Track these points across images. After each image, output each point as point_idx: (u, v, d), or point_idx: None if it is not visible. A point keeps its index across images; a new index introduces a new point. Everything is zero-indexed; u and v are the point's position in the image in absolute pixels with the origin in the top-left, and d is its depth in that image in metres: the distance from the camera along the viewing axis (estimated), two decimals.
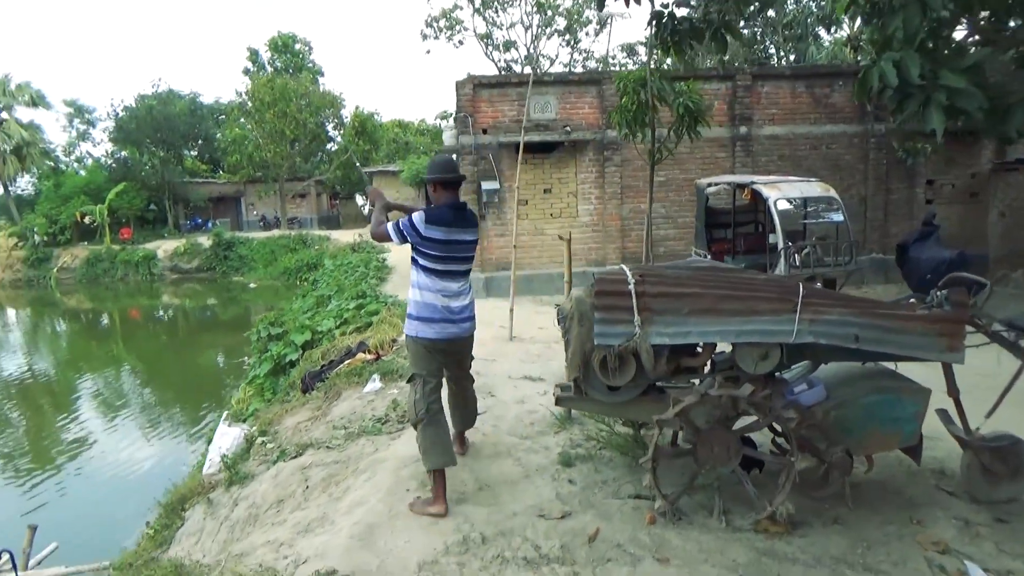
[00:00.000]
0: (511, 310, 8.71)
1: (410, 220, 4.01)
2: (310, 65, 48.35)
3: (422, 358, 4.09)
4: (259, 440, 5.95)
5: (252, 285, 29.54)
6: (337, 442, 4.99)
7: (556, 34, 29.94)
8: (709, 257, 10.60)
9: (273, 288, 27.76)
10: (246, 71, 47.45)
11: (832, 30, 24.46)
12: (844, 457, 3.88)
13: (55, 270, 33.86)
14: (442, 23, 29.36)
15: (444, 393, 4.30)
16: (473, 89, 11.94)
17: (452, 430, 4.38)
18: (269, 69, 46.43)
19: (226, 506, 4.72)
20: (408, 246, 4.10)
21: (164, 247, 34.26)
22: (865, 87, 3.40)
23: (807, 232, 10.03)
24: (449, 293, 4.08)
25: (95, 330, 25.41)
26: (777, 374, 4.23)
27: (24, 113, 38.49)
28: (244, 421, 7.66)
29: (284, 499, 4.37)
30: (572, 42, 29.90)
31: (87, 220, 34.95)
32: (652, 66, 6.55)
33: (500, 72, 26.40)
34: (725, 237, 11.06)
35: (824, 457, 3.83)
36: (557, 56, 30.64)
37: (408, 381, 4.22)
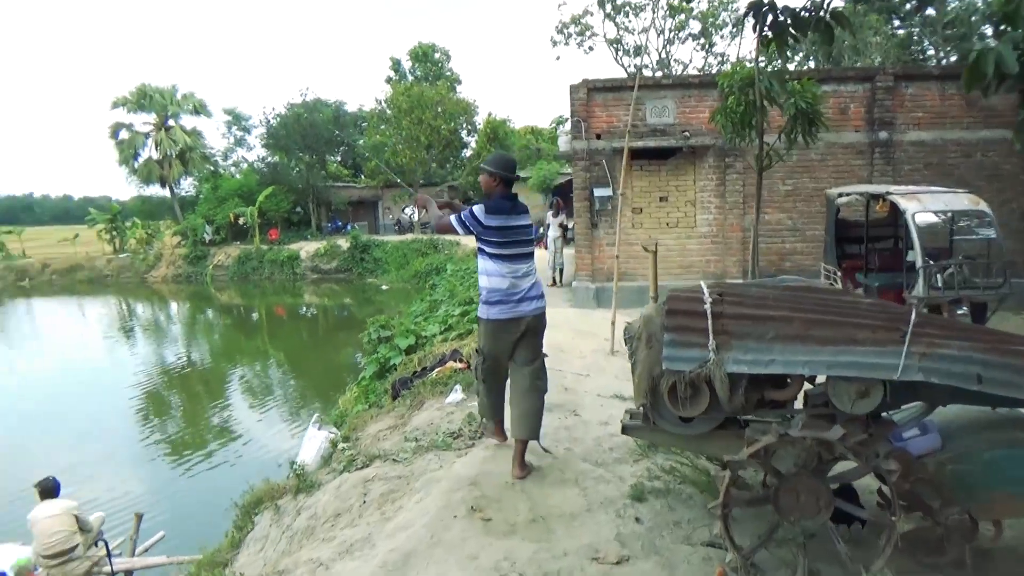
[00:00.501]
0: (613, 323, 8.31)
1: (471, 212, 4.39)
2: (448, 73, 49.74)
3: (489, 338, 4.50)
4: (340, 446, 5.92)
5: (384, 287, 30.49)
6: (404, 455, 4.83)
7: (690, 38, 28.98)
8: (839, 274, 9.72)
9: (404, 291, 28.51)
10: (388, 79, 49.57)
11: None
12: (964, 520, 3.26)
13: (211, 267, 36.47)
14: (572, 29, 29.15)
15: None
16: (587, 93, 11.59)
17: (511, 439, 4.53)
18: (410, 78, 48.20)
19: (290, 514, 4.68)
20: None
21: (306, 248, 36.03)
22: (977, 76, 2.78)
23: (954, 249, 8.94)
24: (516, 275, 4.40)
25: (244, 324, 27.13)
26: (885, 414, 3.67)
27: (188, 121, 41.99)
28: (342, 424, 7.72)
29: (341, 513, 4.25)
30: (707, 46, 28.84)
31: (240, 221, 37.50)
32: (763, 63, 5.93)
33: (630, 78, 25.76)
34: (858, 253, 10.08)
35: (938, 518, 3.23)
36: (691, 60, 29.62)
37: (476, 352, 4.84)
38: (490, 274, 4.40)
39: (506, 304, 4.37)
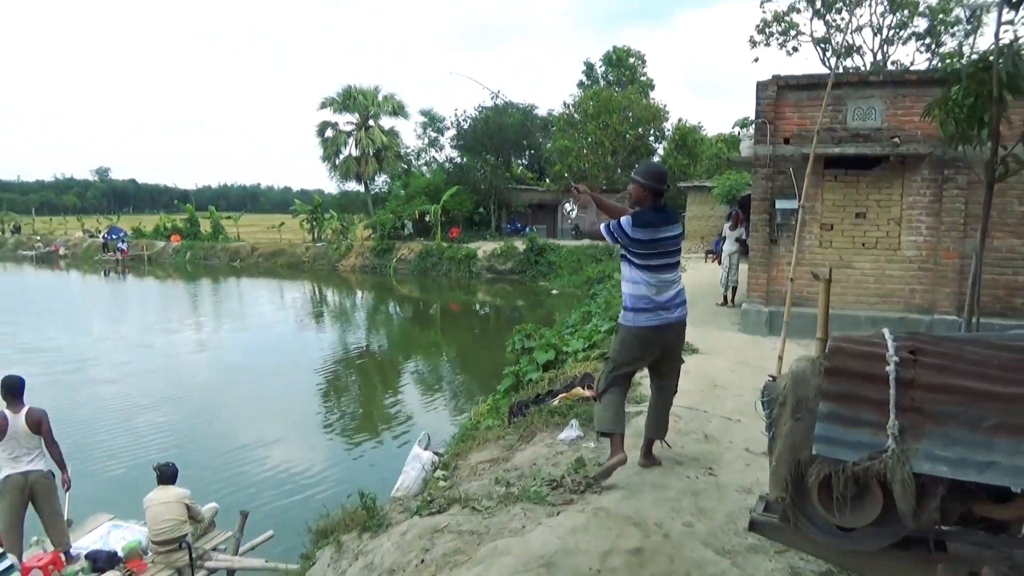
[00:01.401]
0: (780, 357, 6.95)
1: (619, 223, 4.39)
2: (642, 78, 48.47)
3: (626, 347, 4.48)
4: (437, 474, 5.23)
5: (554, 292, 30.05)
6: (487, 504, 4.01)
7: (913, 37, 25.51)
8: None
9: (574, 296, 27.89)
10: (580, 83, 49.21)
11: None
12: None
13: (394, 260, 37.97)
14: (775, 28, 26.80)
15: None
16: (777, 91, 10.08)
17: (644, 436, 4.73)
18: (602, 83, 47.50)
19: (349, 557, 4.02)
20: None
21: (484, 248, 36.46)
22: None
23: None
24: (661, 284, 4.36)
25: (420, 318, 27.79)
26: None
27: (386, 121, 44.02)
28: (459, 442, 7.07)
29: (396, 570, 3.52)
30: (933, 46, 25.26)
31: (426, 218, 38.79)
32: (1008, 39, 4.39)
33: None
34: None
35: None
36: (912, 63, 25.96)
37: (606, 359, 4.76)
38: (635, 282, 4.40)
39: (652, 312, 4.36)
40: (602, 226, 4.49)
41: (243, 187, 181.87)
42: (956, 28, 24.45)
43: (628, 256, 4.42)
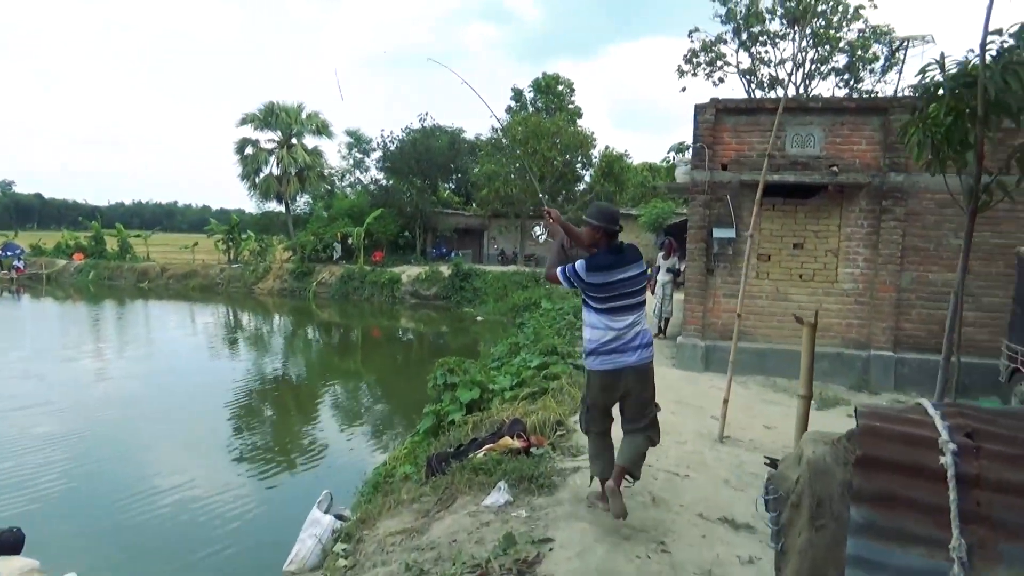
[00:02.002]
0: (725, 400, 6.38)
1: (574, 267, 4.29)
2: (570, 106, 48.77)
3: (588, 388, 4.43)
4: (338, 548, 4.34)
5: (479, 318, 29.34)
6: None
7: (833, 73, 26.21)
8: None
9: (500, 323, 27.24)
10: (508, 109, 49.10)
11: None
12: None
13: (314, 284, 36.54)
14: (703, 58, 27.10)
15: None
16: (715, 115, 9.71)
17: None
18: (531, 108, 47.51)
19: None
20: None
21: (408, 272, 35.52)
22: None
23: None
24: (620, 327, 4.22)
25: (340, 344, 26.51)
26: None
27: (310, 141, 42.59)
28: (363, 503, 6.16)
29: None
30: (852, 81, 25.99)
31: (349, 241, 37.53)
32: (989, 49, 3.89)
33: None
34: None
35: None
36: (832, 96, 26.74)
37: (581, 400, 4.65)
38: (593, 326, 4.29)
39: (607, 355, 4.23)
40: (558, 270, 4.37)
41: (159, 205, 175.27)
42: (874, 65, 25.23)
43: (586, 299, 4.32)
